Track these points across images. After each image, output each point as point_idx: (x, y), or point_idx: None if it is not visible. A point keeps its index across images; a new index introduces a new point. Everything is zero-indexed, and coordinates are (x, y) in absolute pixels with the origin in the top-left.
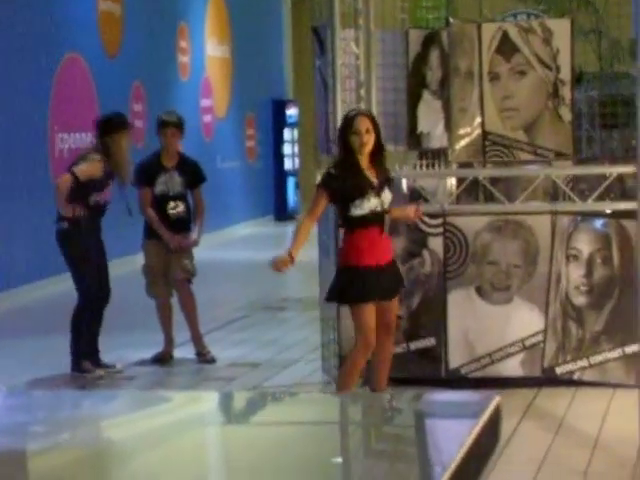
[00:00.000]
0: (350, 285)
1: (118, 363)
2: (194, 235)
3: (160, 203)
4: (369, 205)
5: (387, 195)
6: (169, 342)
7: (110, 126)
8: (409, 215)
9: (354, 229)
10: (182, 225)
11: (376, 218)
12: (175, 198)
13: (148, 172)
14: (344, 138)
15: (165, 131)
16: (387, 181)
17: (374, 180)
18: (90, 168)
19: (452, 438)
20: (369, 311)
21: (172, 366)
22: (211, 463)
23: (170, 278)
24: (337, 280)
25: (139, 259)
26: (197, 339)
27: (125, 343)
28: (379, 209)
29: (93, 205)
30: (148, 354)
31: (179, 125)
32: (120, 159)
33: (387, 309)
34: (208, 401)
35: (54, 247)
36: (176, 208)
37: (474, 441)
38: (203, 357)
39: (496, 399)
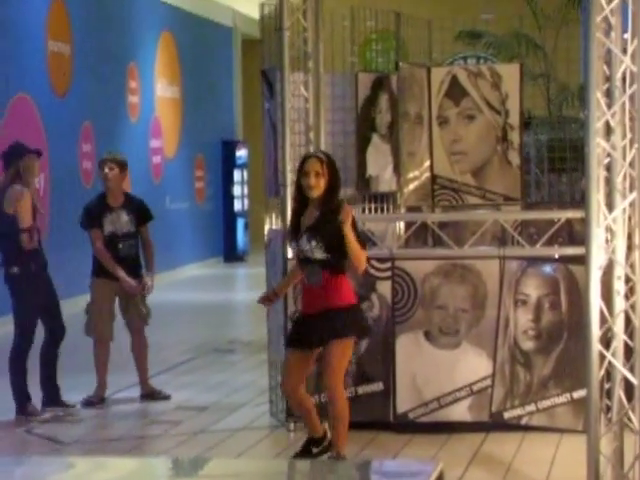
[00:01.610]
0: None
1: (77, 404)
2: (149, 281)
3: (109, 243)
4: (291, 250)
5: (304, 243)
6: (102, 384)
7: (20, 151)
8: (346, 225)
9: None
10: (132, 264)
11: (302, 265)
12: (124, 237)
13: (95, 214)
14: (297, 178)
15: (103, 168)
16: (319, 227)
17: (304, 225)
18: (27, 202)
19: None
20: (290, 356)
21: (119, 408)
22: None
23: (126, 322)
24: None
25: (77, 301)
26: (146, 382)
27: (70, 386)
28: (309, 255)
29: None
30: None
31: (117, 162)
32: (33, 187)
33: (324, 357)
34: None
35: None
36: (125, 247)
37: None
38: (158, 394)
39: (439, 465)
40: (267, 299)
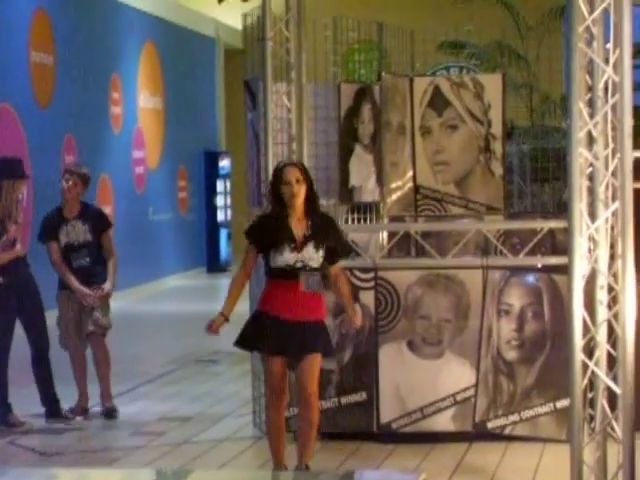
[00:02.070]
0: (250, 329)
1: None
2: (106, 286)
3: (66, 254)
4: (283, 259)
5: (311, 252)
6: (83, 396)
7: (7, 171)
8: (351, 317)
9: (270, 278)
10: (88, 274)
11: (294, 273)
12: (80, 247)
13: (51, 226)
14: (275, 190)
15: (64, 180)
16: (320, 235)
17: (298, 234)
18: None
19: None
20: (272, 360)
21: (102, 419)
22: None
23: (83, 331)
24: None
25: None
26: (106, 396)
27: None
28: (298, 265)
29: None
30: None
31: (81, 177)
32: (11, 205)
33: (299, 371)
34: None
35: None
36: (80, 257)
37: None
38: (106, 410)
39: (423, 476)
40: (216, 326)
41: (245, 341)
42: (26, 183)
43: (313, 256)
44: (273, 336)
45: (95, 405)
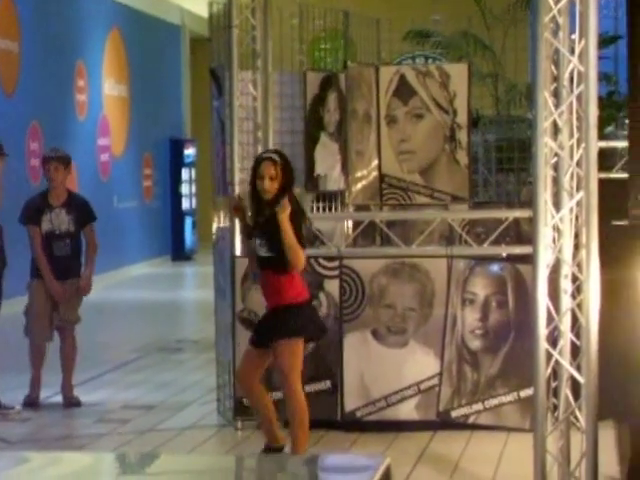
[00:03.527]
0: None
1: (17, 405)
2: (83, 281)
3: (46, 242)
4: (252, 245)
5: (255, 242)
6: (35, 386)
7: None
8: (281, 217)
9: None
10: (67, 265)
11: (261, 261)
12: (62, 237)
13: (34, 210)
14: (252, 179)
15: (47, 167)
16: (268, 226)
17: (258, 223)
18: None
19: None
20: (245, 352)
21: (66, 407)
22: None
23: (54, 322)
24: None
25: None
26: (68, 388)
27: (10, 385)
28: (257, 253)
29: None
30: (42, 394)
31: (61, 160)
32: None
33: (274, 357)
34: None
35: None
36: (62, 247)
37: None
38: (68, 400)
39: (386, 461)
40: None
41: None
42: (4, 162)
43: (256, 245)
44: (257, 328)
45: (54, 395)
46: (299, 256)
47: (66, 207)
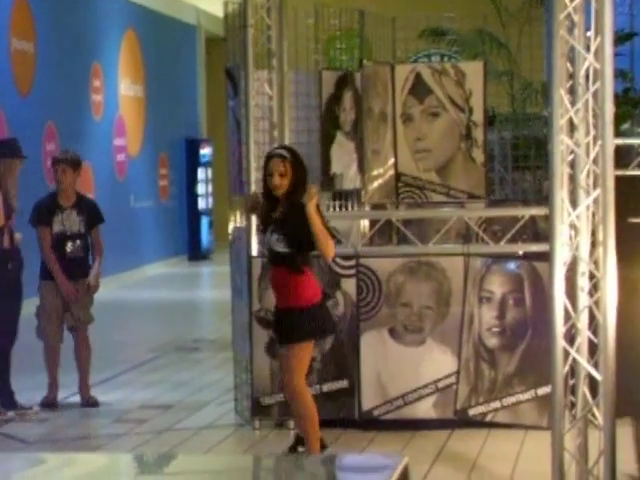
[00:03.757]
0: None
1: (34, 405)
2: (92, 281)
3: (57, 243)
4: (265, 241)
5: (269, 236)
6: (53, 386)
7: (5, 150)
8: (309, 205)
9: None
10: (79, 265)
11: (273, 258)
12: (73, 238)
13: (45, 212)
14: (263, 176)
15: (56, 169)
16: (283, 223)
17: (272, 219)
18: None
19: None
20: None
21: (82, 408)
22: None
23: (66, 323)
24: None
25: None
26: (85, 388)
27: (25, 386)
28: (272, 248)
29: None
30: (59, 395)
31: (70, 162)
32: (11, 186)
33: (283, 358)
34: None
35: None
36: (73, 248)
37: None
38: (86, 400)
39: (404, 460)
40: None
41: None
42: (23, 163)
43: (271, 240)
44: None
45: (72, 395)
46: (330, 244)
47: (77, 208)
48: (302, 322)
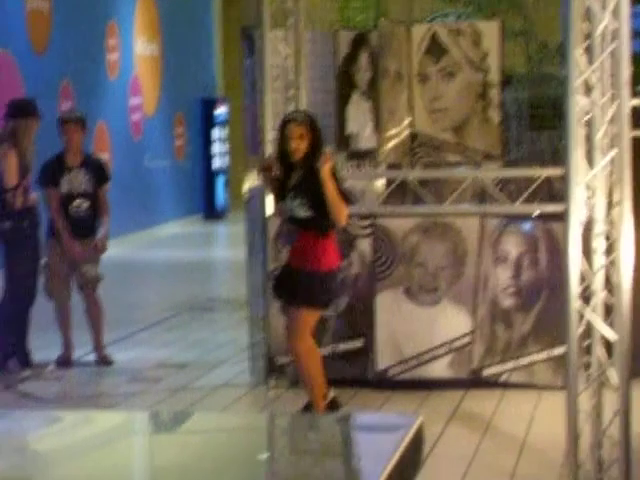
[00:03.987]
0: None
1: (50, 363)
2: (100, 240)
3: (65, 202)
4: (286, 207)
5: (289, 202)
6: (67, 345)
7: (22, 110)
8: (323, 169)
9: None
10: (85, 225)
11: (300, 222)
12: (80, 197)
13: (52, 172)
14: (279, 141)
15: (65, 128)
16: (302, 186)
17: (289, 184)
18: (11, 162)
19: (376, 459)
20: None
21: (97, 366)
22: None
23: (76, 283)
24: None
25: None
26: (99, 347)
27: (47, 343)
28: (293, 214)
29: (31, 204)
30: (75, 353)
31: (79, 121)
32: (27, 146)
33: (289, 318)
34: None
35: None
36: (80, 207)
37: (397, 462)
38: (101, 359)
39: (419, 420)
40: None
41: None
42: (39, 123)
43: (291, 205)
44: (280, 281)
45: (87, 354)
46: (342, 211)
47: (84, 168)
48: (319, 288)
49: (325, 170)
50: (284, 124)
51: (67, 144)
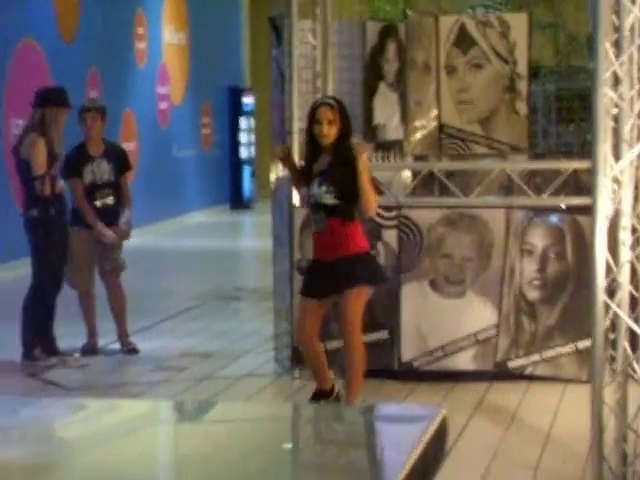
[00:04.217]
0: (304, 275)
1: (75, 351)
2: (124, 226)
3: (89, 193)
4: (312, 193)
5: (315, 188)
6: (92, 333)
7: (52, 99)
8: (361, 160)
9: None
10: (110, 214)
11: (326, 209)
12: (104, 186)
13: (75, 163)
14: (309, 126)
15: (85, 116)
16: (332, 172)
17: (316, 170)
18: (40, 150)
19: (399, 451)
20: (305, 306)
21: (122, 355)
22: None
23: (99, 271)
24: None
25: None
26: (123, 336)
27: (72, 331)
28: (312, 200)
29: (58, 192)
30: (100, 342)
31: (99, 110)
32: (56, 135)
33: (341, 305)
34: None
35: (4, 233)
36: (104, 196)
37: (421, 453)
38: (126, 348)
39: (443, 412)
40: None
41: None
42: (68, 112)
43: (317, 192)
44: (308, 279)
45: (113, 342)
46: (372, 203)
47: (106, 157)
48: (364, 266)
49: (363, 160)
50: (315, 108)
51: (87, 133)
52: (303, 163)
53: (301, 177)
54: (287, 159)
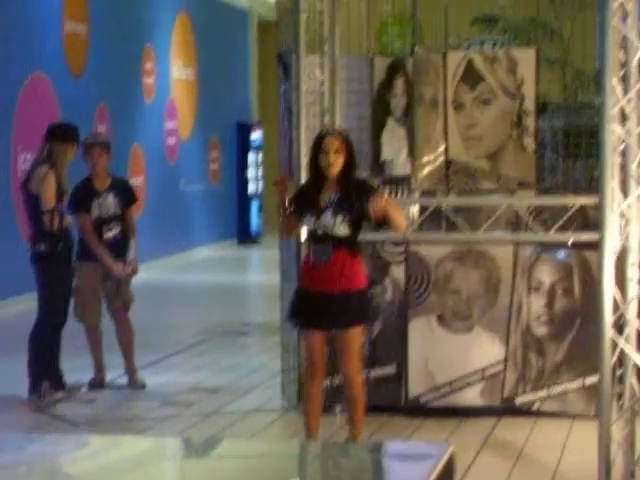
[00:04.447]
0: (295, 306)
1: (82, 386)
2: (131, 263)
3: (97, 227)
4: (311, 224)
5: (329, 219)
6: (100, 368)
7: (62, 135)
8: (379, 205)
9: (308, 246)
10: (117, 247)
11: (333, 240)
12: (110, 220)
13: (82, 198)
14: (314, 157)
15: (91, 152)
16: (344, 202)
17: (323, 201)
18: (49, 184)
19: None
20: (312, 335)
21: (130, 390)
22: None
23: (109, 307)
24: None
25: None
26: (131, 371)
27: (79, 365)
28: (319, 232)
29: (65, 227)
30: (108, 376)
31: (104, 145)
32: (62, 170)
33: (340, 340)
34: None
35: (10, 268)
36: (111, 230)
37: None
38: (133, 382)
39: (450, 448)
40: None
41: (291, 316)
42: (76, 150)
43: (330, 222)
44: (306, 309)
45: (120, 376)
46: (402, 215)
47: (112, 191)
48: (363, 305)
49: (382, 202)
50: (321, 138)
51: (93, 169)
52: (295, 195)
53: (289, 206)
54: (282, 183)
